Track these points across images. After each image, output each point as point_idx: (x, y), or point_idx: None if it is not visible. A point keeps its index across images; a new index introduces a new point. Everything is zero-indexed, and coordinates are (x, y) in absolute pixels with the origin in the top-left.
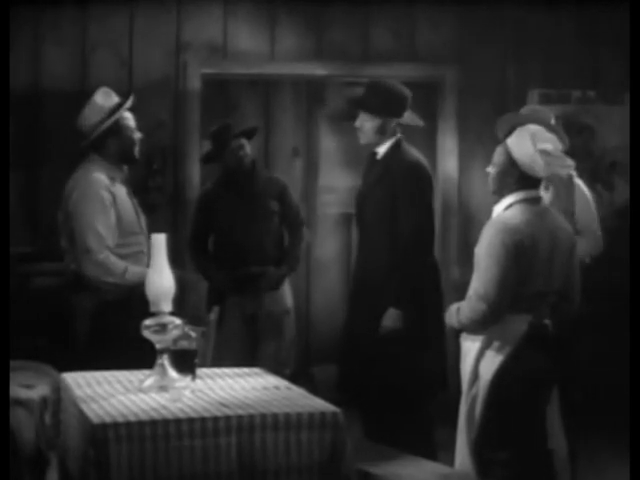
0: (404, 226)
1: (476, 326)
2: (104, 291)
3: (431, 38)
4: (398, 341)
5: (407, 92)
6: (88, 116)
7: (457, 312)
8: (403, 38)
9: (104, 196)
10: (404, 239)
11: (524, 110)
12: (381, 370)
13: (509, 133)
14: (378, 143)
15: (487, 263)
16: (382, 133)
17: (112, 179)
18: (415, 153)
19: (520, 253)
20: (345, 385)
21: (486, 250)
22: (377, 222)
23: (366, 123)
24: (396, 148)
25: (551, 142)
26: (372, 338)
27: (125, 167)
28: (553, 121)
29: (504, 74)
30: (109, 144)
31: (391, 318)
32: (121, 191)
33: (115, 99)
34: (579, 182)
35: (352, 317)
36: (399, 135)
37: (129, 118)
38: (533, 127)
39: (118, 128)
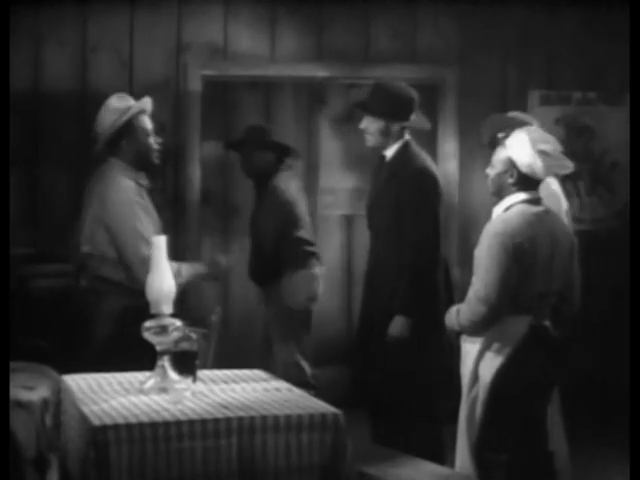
0: (410, 233)
1: (476, 328)
2: (128, 295)
3: (431, 39)
4: (405, 348)
5: (413, 94)
6: (102, 118)
7: (457, 314)
8: (403, 39)
9: (140, 202)
10: (409, 246)
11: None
12: (390, 375)
13: (494, 136)
14: (385, 145)
15: (487, 265)
16: (387, 135)
17: (139, 185)
18: (423, 157)
19: (520, 254)
20: (356, 388)
21: (486, 252)
22: (385, 226)
23: (371, 125)
24: (403, 151)
25: (550, 143)
26: (381, 345)
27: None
28: (536, 125)
29: (504, 75)
30: (124, 146)
31: (397, 326)
32: (147, 201)
33: (130, 102)
34: (554, 188)
35: (363, 322)
36: (407, 137)
37: (145, 121)
38: (532, 128)
39: (132, 129)
